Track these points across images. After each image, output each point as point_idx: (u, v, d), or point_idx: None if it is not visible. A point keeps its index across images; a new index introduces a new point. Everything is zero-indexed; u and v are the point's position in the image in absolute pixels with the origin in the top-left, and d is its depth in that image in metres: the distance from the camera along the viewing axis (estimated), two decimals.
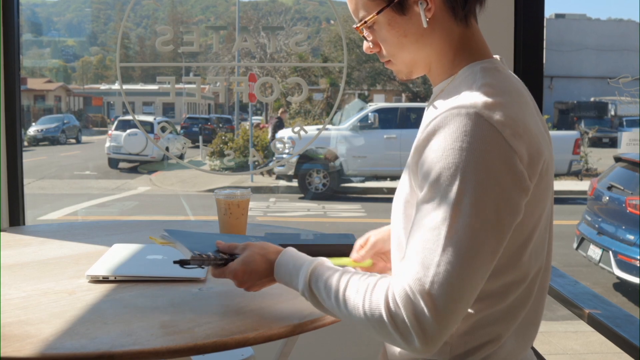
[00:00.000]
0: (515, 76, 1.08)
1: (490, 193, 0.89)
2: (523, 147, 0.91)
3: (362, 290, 0.93)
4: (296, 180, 10.94)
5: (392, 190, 10.71)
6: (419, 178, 0.94)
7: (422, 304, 0.86)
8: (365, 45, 1.10)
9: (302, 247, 1.50)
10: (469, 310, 0.97)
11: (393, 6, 1.02)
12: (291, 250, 1.10)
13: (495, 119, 0.90)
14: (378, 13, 1.03)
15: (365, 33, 1.08)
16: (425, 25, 1.01)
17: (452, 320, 0.88)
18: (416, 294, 0.87)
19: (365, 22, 1.05)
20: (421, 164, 0.94)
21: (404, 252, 0.95)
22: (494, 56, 1.09)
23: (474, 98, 0.93)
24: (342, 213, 9.49)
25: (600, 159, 13.44)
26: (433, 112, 0.98)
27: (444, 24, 1.03)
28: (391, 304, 0.89)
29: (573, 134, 12.70)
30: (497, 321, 0.99)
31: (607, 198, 5.30)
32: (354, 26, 1.09)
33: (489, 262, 0.90)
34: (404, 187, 1.05)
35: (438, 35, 1.03)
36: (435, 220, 0.89)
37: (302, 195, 10.67)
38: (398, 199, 1.07)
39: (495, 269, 0.94)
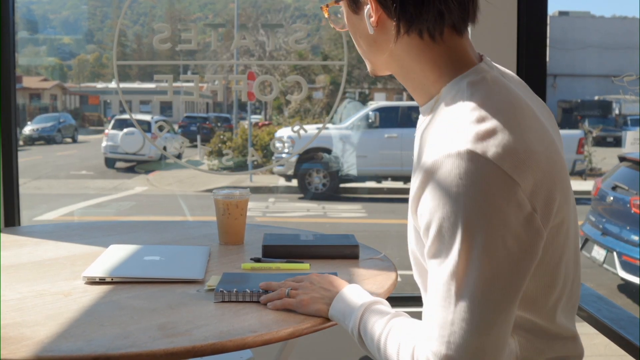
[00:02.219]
0: (509, 76, 1.02)
1: (498, 237, 0.82)
2: (529, 177, 0.84)
3: (395, 349, 0.92)
4: (296, 180, 10.94)
5: (393, 190, 10.72)
6: (421, 228, 0.90)
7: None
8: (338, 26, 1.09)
9: (302, 248, 1.51)
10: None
11: (348, 1, 1.00)
12: (355, 287, 1.10)
13: (492, 152, 0.82)
14: (337, 1, 1.02)
15: (331, 17, 1.07)
16: (370, 31, 0.97)
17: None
18: (436, 358, 0.83)
19: (327, 5, 1.05)
20: (420, 214, 0.89)
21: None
22: (480, 55, 1.00)
23: (464, 130, 0.84)
24: (342, 213, 9.48)
25: (605, 158, 13.44)
26: (426, 149, 0.91)
27: (401, 37, 0.96)
28: None
29: (577, 133, 12.69)
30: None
31: (612, 198, 5.30)
32: (321, 5, 1.07)
33: (508, 310, 0.84)
34: (411, 229, 1.02)
35: (392, 46, 0.97)
36: (443, 276, 0.84)
37: (301, 195, 10.67)
38: (411, 242, 1.05)
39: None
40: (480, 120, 0.85)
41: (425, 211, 0.87)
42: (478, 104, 0.88)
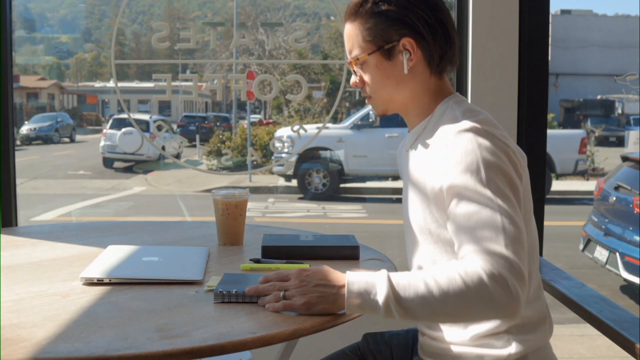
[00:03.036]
0: None
1: (509, 181, 1.14)
2: (512, 146, 1.20)
3: (452, 270, 1.07)
4: (295, 180, 10.93)
5: (394, 191, 10.72)
6: (451, 182, 1.14)
7: (510, 259, 1.06)
8: (352, 79, 1.35)
9: (301, 249, 1.51)
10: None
11: (382, 51, 1.27)
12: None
13: (489, 130, 1.17)
14: (369, 54, 1.28)
15: (356, 68, 1.32)
16: (406, 71, 1.27)
17: (525, 262, 1.09)
18: (502, 254, 1.06)
19: (358, 59, 1.30)
20: (446, 172, 1.15)
21: (432, 259, 1.24)
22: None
23: (467, 120, 1.19)
24: (342, 214, 9.49)
25: (607, 158, 13.44)
26: (434, 139, 1.23)
27: (422, 74, 1.29)
28: (485, 267, 1.06)
29: (579, 132, 12.71)
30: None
31: (614, 198, 5.30)
32: (347, 61, 1.33)
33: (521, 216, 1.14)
34: (419, 208, 1.26)
35: (417, 82, 1.29)
36: (481, 202, 1.10)
37: (301, 195, 10.67)
38: (419, 220, 1.27)
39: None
40: (474, 116, 1.22)
41: (451, 164, 1.14)
42: (467, 109, 1.25)
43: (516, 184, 1.14)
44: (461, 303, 1.06)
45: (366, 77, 1.31)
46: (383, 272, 1.11)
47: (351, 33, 1.30)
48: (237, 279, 1.27)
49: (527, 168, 1.24)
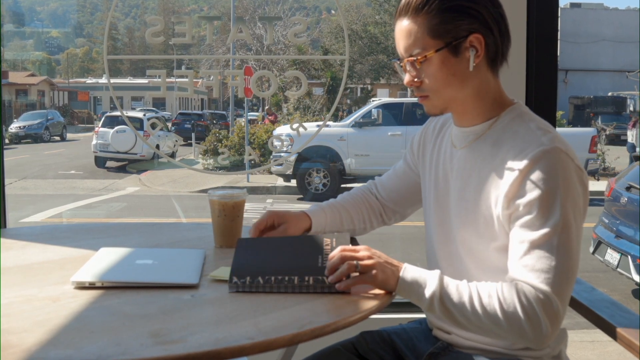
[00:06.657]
0: None
1: (578, 208, 1.21)
2: (582, 165, 1.25)
3: (494, 292, 1.19)
4: (295, 180, 10.93)
5: None
6: (522, 204, 1.21)
7: (550, 298, 1.16)
8: (407, 78, 1.33)
9: None
10: None
11: (450, 47, 1.27)
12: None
13: (568, 152, 1.23)
14: (437, 51, 1.27)
15: (411, 66, 1.31)
16: (471, 68, 1.28)
17: (566, 299, 1.20)
18: (545, 293, 1.16)
19: (426, 56, 1.28)
20: (522, 192, 1.21)
21: (479, 258, 1.31)
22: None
23: (545, 139, 1.24)
24: None
25: (618, 157, 13.44)
26: (510, 149, 1.26)
27: (484, 72, 1.31)
28: (524, 300, 1.16)
29: (589, 131, 12.70)
30: None
31: (626, 199, 5.30)
32: (407, 58, 1.30)
33: (579, 245, 1.23)
34: (479, 206, 1.30)
35: (479, 80, 1.31)
36: (546, 235, 1.18)
37: (301, 196, 10.66)
38: (470, 213, 1.32)
39: None
40: (550, 133, 1.26)
41: (529, 188, 1.21)
42: (540, 126, 1.29)
43: (583, 210, 1.23)
44: (493, 324, 1.18)
45: (427, 76, 1.30)
46: (436, 271, 1.24)
47: (412, 29, 1.28)
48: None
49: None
